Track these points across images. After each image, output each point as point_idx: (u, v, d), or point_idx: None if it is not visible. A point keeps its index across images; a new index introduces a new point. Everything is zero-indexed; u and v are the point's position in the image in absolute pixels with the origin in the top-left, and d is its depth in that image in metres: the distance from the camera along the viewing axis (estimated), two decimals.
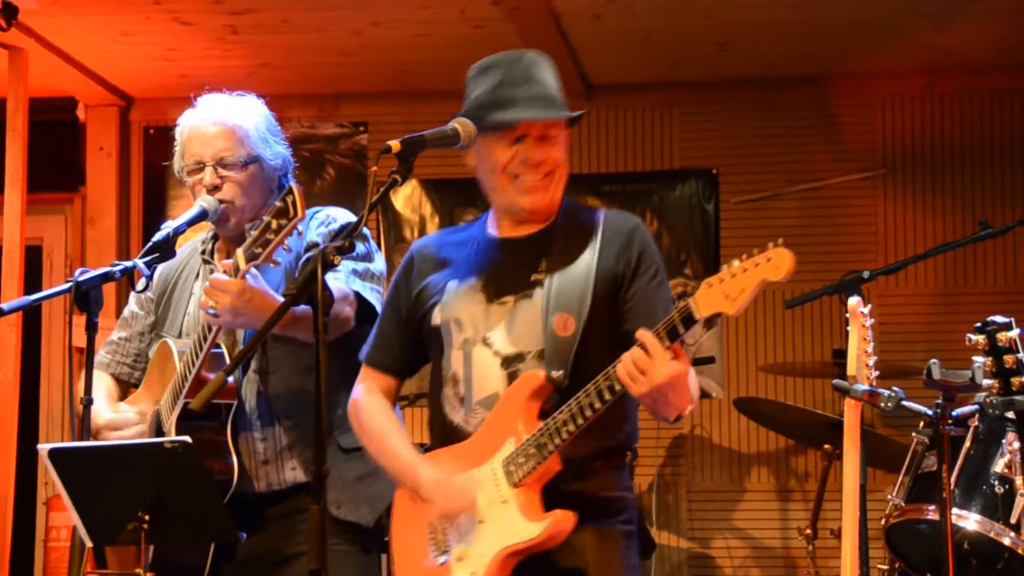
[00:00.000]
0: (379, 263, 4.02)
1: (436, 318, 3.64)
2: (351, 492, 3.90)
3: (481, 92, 3.60)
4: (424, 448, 3.73)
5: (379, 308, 3.89)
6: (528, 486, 3.41)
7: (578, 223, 3.63)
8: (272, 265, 3.60)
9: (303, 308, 3.62)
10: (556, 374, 3.42)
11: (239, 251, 3.61)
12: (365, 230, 3.99)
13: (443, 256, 3.73)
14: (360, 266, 3.92)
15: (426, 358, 3.72)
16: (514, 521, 3.40)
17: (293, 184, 3.57)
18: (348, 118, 7.52)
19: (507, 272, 3.60)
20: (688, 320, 3.20)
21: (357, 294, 3.86)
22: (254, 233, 3.58)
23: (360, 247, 3.95)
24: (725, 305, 3.16)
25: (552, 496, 3.42)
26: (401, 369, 3.79)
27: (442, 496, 3.51)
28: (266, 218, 3.55)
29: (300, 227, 3.53)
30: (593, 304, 3.48)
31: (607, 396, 3.30)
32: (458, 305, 3.61)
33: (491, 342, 3.55)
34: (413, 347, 3.73)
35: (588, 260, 3.54)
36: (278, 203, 3.54)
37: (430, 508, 3.54)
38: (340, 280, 3.83)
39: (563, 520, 3.37)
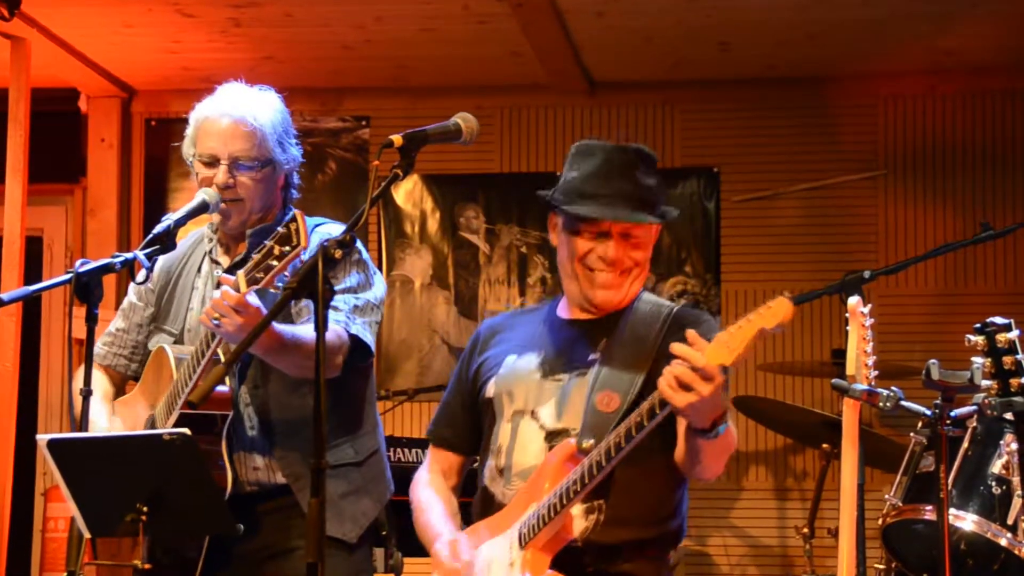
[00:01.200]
0: (378, 288, 4.00)
1: (490, 391, 3.65)
2: (336, 509, 3.89)
3: (576, 176, 3.59)
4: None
5: (372, 345, 3.89)
6: (536, 548, 3.38)
7: (649, 312, 3.60)
8: (273, 290, 3.59)
9: (291, 335, 3.65)
10: (587, 443, 3.38)
11: (240, 273, 3.58)
12: (364, 254, 3.99)
13: (508, 334, 3.73)
14: (360, 300, 3.91)
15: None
16: None
17: (297, 212, 3.55)
18: (350, 112, 7.52)
19: (566, 350, 3.59)
20: (694, 369, 3.12)
21: (354, 336, 3.84)
22: (255, 257, 3.55)
23: (358, 276, 3.94)
24: (725, 356, 3.09)
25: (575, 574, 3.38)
26: (464, 445, 3.80)
27: (446, 569, 3.52)
28: (268, 243, 3.53)
29: (303, 255, 3.51)
30: (644, 387, 3.41)
31: (645, 422, 3.22)
32: (513, 379, 3.61)
33: (539, 416, 3.54)
34: (475, 423, 3.73)
35: (649, 346, 3.51)
36: (281, 229, 3.52)
37: None
38: (340, 319, 3.81)
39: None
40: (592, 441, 3.37)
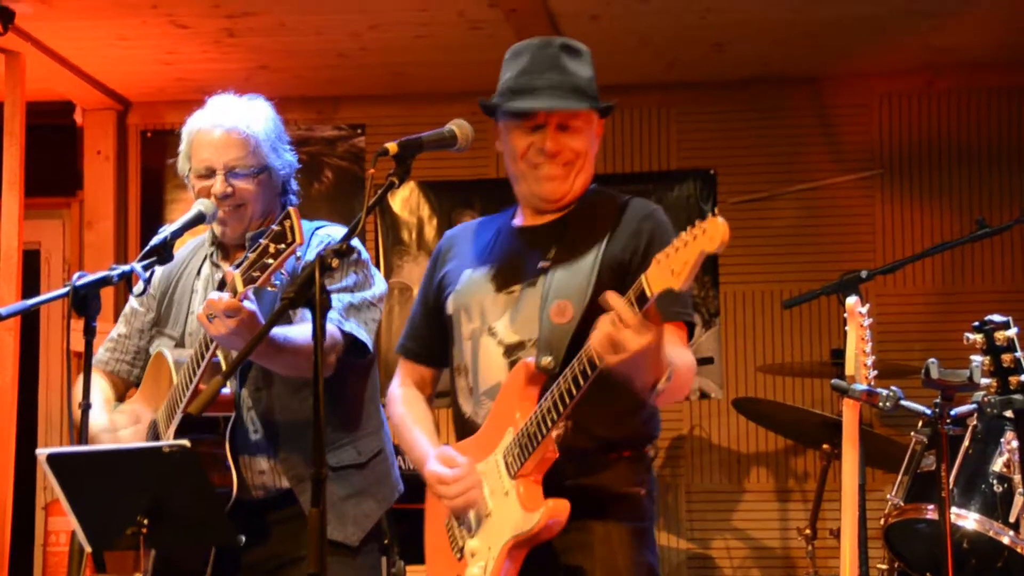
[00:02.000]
0: (378, 287, 3.99)
1: (449, 307, 3.67)
2: (338, 511, 3.88)
3: (508, 76, 3.60)
4: None
5: (370, 343, 3.89)
6: (527, 476, 3.38)
7: (596, 211, 3.60)
8: (270, 288, 3.58)
9: (284, 339, 3.64)
10: (545, 361, 3.39)
11: (237, 272, 3.58)
12: (364, 254, 3.99)
13: (467, 245, 3.75)
14: (356, 298, 3.90)
15: None
16: (514, 512, 3.38)
17: (291, 208, 3.54)
18: (346, 120, 7.52)
19: (518, 261, 3.60)
20: (642, 298, 3.08)
21: (347, 334, 3.84)
22: (251, 256, 3.55)
23: (355, 276, 3.94)
24: (672, 280, 3.03)
25: (556, 491, 3.38)
26: (432, 357, 3.81)
27: (446, 493, 3.50)
28: (263, 241, 3.52)
29: (298, 252, 3.50)
30: (595, 292, 3.40)
31: (588, 373, 3.20)
32: (468, 294, 3.63)
33: (496, 331, 3.55)
34: (441, 335, 3.73)
35: (596, 247, 3.51)
36: (275, 227, 3.51)
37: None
38: (334, 317, 3.80)
39: (556, 509, 3.34)
40: (550, 358, 3.38)
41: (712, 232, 2.97)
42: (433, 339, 3.77)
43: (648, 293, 3.07)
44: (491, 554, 3.42)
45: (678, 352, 3.36)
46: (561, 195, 3.60)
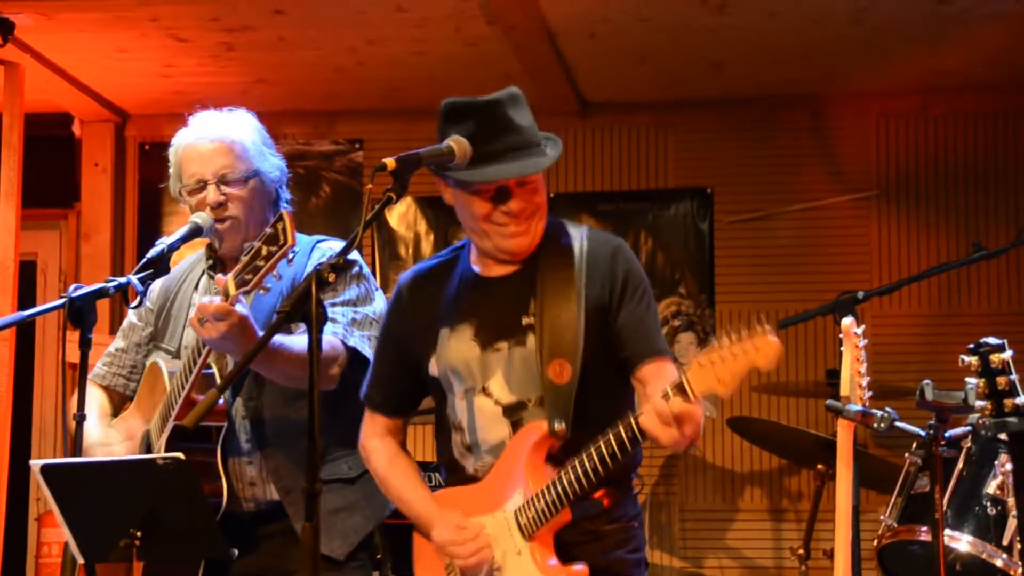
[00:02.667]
0: (379, 303, 3.99)
1: (433, 369, 3.63)
2: (325, 525, 3.84)
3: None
4: (429, 469, 3.74)
5: (370, 357, 3.88)
6: (541, 539, 3.42)
7: (560, 252, 3.58)
8: (262, 292, 3.57)
9: (284, 348, 3.64)
10: (559, 427, 3.41)
11: (229, 276, 3.58)
12: (365, 269, 3.99)
13: (430, 295, 3.68)
14: (359, 313, 3.90)
15: (424, 394, 3.72)
16: (530, 573, 3.42)
17: (284, 211, 3.55)
18: (343, 135, 7.53)
19: (497, 315, 3.57)
20: (683, 392, 3.18)
21: (351, 349, 3.84)
22: (244, 259, 3.54)
23: (358, 289, 3.94)
24: (718, 388, 3.14)
25: (560, 539, 3.44)
26: (400, 409, 3.78)
27: (460, 554, 3.51)
28: (256, 244, 3.52)
29: (290, 254, 3.50)
30: (586, 344, 3.45)
31: (616, 455, 3.29)
32: (452, 355, 3.59)
33: (491, 391, 3.54)
34: (410, 387, 3.72)
35: (575, 295, 3.50)
36: (268, 229, 3.51)
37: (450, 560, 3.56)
38: (338, 331, 3.81)
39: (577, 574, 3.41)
40: (563, 425, 3.40)
41: (766, 351, 3.07)
42: (401, 390, 3.75)
43: (691, 395, 3.17)
44: None
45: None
46: (528, 248, 3.57)
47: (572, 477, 3.35)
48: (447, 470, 3.69)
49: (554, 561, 3.41)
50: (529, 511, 3.41)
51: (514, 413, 3.50)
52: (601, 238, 3.63)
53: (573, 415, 3.41)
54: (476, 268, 3.65)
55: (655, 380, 3.39)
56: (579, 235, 3.63)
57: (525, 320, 3.53)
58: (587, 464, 3.33)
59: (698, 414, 3.21)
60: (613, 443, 3.30)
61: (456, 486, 3.62)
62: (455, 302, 3.63)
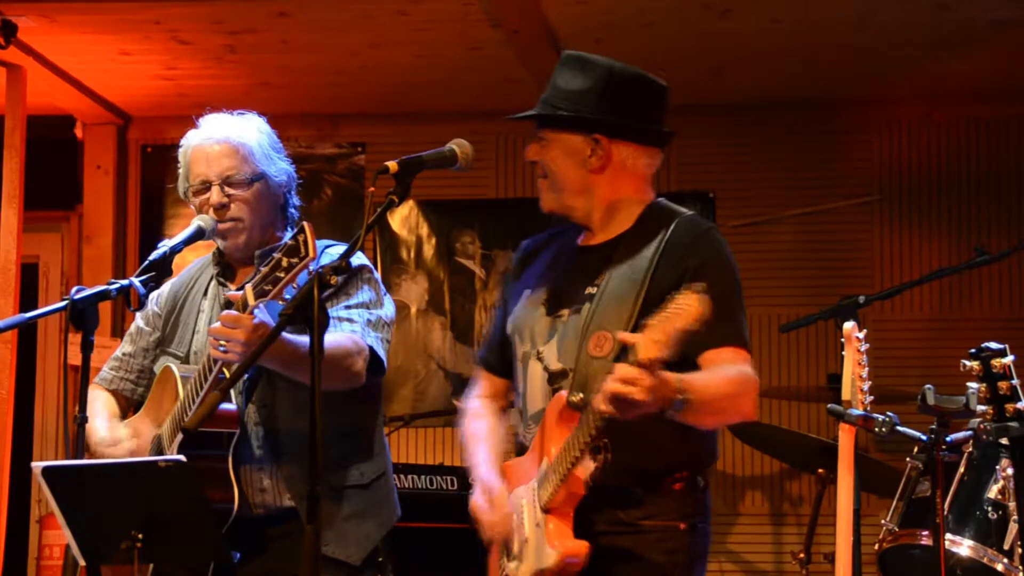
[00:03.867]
0: (388, 308, 3.98)
1: (508, 327, 3.68)
2: (339, 530, 3.88)
3: None
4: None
5: (385, 361, 3.88)
6: (557, 511, 3.39)
7: (646, 231, 3.56)
8: (280, 303, 3.57)
9: (300, 344, 3.63)
10: (575, 398, 3.38)
11: (248, 286, 3.57)
12: (376, 275, 4.00)
13: (534, 260, 3.75)
14: (374, 315, 3.89)
15: None
16: (541, 546, 3.41)
17: (306, 223, 3.53)
18: (346, 138, 7.53)
19: (569, 283, 3.58)
20: (638, 364, 3.11)
21: (370, 348, 3.83)
22: (264, 270, 3.53)
23: (371, 293, 3.94)
24: (655, 349, 3.07)
25: (587, 524, 3.40)
26: (505, 369, 3.78)
27: (482, 525, 3.56)
28: (276, 255, 3.50)
29: (311, 267, 3.49)
30: (636, 325, 3.32)
31: (599, 422, 3.21)
32: (522, 316, 3.64)
33: (543, 356, 3.55)
34: (511, 349, 3.73)
35: (642, 273, 3.47)
36: (289, 241, 3.49)
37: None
38: (357, 332, 3.81)
39: (573, 550, 3.36)
40: (580, 396, 3.36)
41: (689, 309, 3.04)
42: (504, 351, 3.77)
43: (642, 360, 3.09)
44: None
45: (715, 370, 3.38)
46: (549, 208, 3.62)
47: (570, 443, 3.32)
48: (515, 440, 3.69)
49: (564, 534, 3.38)
50: (545, 480, 3.40)
51: (556, 381, 3.50)
52: (692, 222, 3.61)
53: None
54: (577, 239, 3.68)
55: (709, 368, 3.36)
56: (671, 217, 3.62)
57: (588, 290, 3.53)
58: (580, 431, 3.29)
59: (644, 381, 3.10)
60: (588, 417, 3.25)
61: (518, 455, 3.63)
62: (545, 267, 3.69)
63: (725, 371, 3.41)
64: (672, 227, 3.56)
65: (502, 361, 3.77)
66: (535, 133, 3.59)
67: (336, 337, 3.70)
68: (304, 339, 3.57)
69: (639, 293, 3.45)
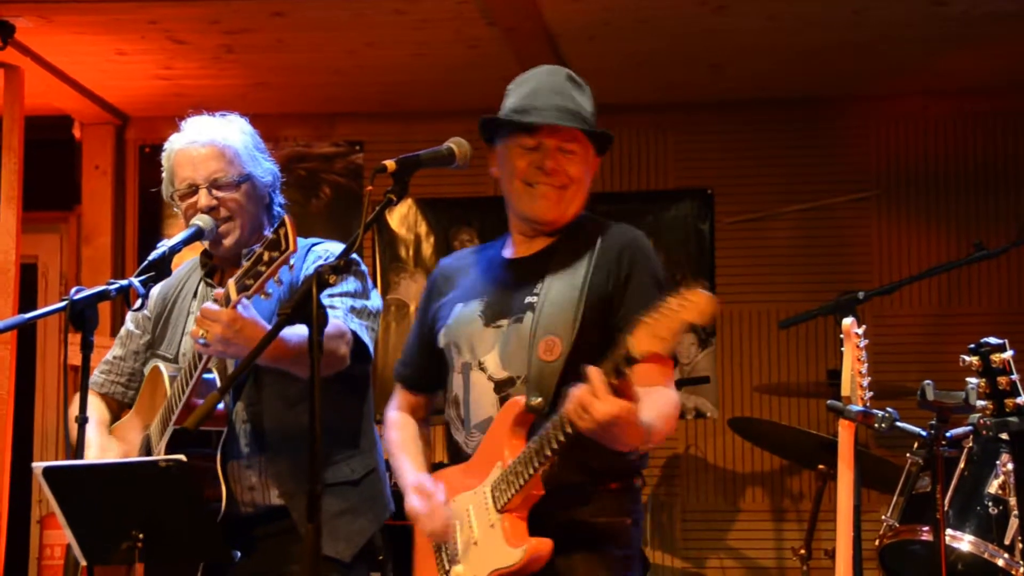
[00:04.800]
0: (375, 300, 4.00)
1: (441, 340, 3.71)
2: (330, 527, 3.86)
3: (512, 100, 3.64)
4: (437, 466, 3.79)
5: (370, 348, 3.91)
6: (513, 511, 3.44)
7: (580, 240, 3.63)
8: (263, 297, 3.57)
9: (297, 339, 3.64)
10: (535, 401, 3.43)
11: (230, 281, 3.58)
12: (363, 267, 4.01)
13: (460, 276, 3.78)
14: (358, 303, 3.91)
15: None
16: (498, 546, 3.44)
17: (286, 216, 3.53)
18: (343, 137, 7.54)
19: (507, 294, 3.63)
20: (630, 360, 3.14)
21: (354, 334, 3.86)
22: (246, 264, 3.55)
23: (357, 283, 3.94)
24: (657, 345, 3.10)
25: (543, 523, 3.44)
26: (424, 385, 3.87)
27: (421, 527, 3.60)
28: (258, 249, 3.52)
29: (292, 260, 3.50)
30: (582, 327, 3.47)
31: (567, 430, 3.26)
32: (458, 328, 3.66)
33: (485, 366, 3.58)
34: (434, 364, 3.77)
35: (580, 280, 3.54)
36: (270, 235, 3.50)
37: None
38: (339, 317, 3.81)
39: (539, 547, 3.41)
40: (540, 399, 3.42)
41: (698, 303, 3.07)
42: (426, 367, 3.82)
43: (634, 355, 3.12)
44: None
45: (656, 400, 3.39)
46: (553, 217, 3.63)
47: (532, 450, 3.36)
48: (448, 449, 3.72)
49: (522, 533, 3.42)
50: (502, 484, 3.44)
51: (503, 389, 3.53)
52: (620, 230, 3.66)
53: (555, 393, 3.40)
54: (505, 252, 3.73)
55: (649, 396, 3.36)
56: (601, 224, 3.67)
57: (528, 299, 3.57)
58: (541, 438, 3.33)
59: (625, 410, 3.16)
60: (553, 427, 3.29)
61: (453, 464, 3.66)
62: (475, 280, 3.72)
63: (663, 404, 3.45)
64: (603, 233, 3.63)
65: (420, 377, 3.86)
66: (549, 142, 3.57)
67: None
68: (291, 333, 3.57)
69: (580, 298, 3.51)
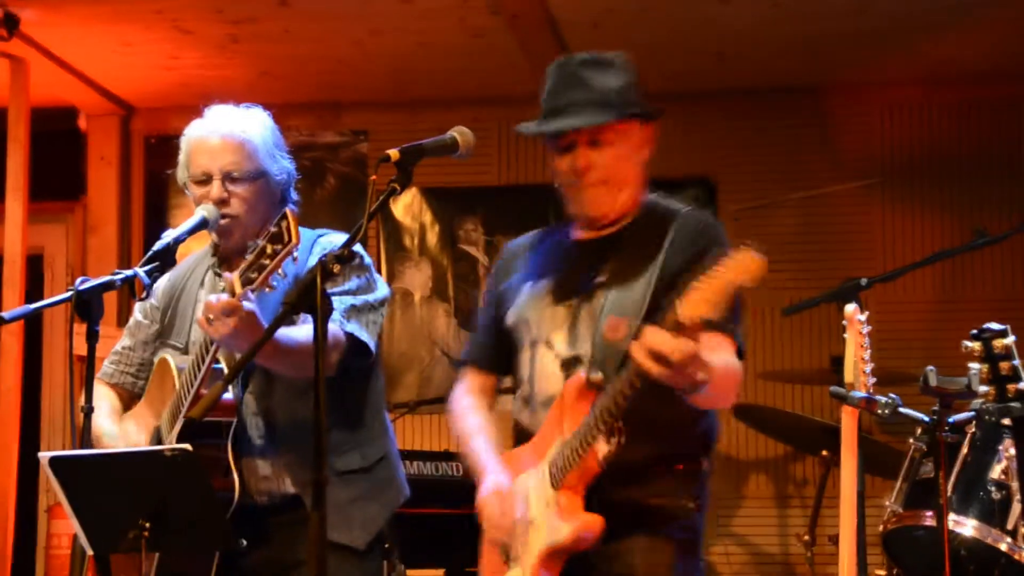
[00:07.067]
0: (380, 290, 3.99)
1: (510, 319, 3.70)
2: (344, 515, 3.88)
3: (542, 100, 3.62)
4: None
5: (372, 345, 3.90)
6: (569, 488, 3.42)
7: (652, 225, 3.60)
8: (267, 290, 3.58)
9: (287, 340, 3.65)
10: (595, 377, 3.41)
11: (235, 275, 3.58)
12: (367, 259, 4.00)
13: (526, 258, 3.78)
14: (359, 300, 3.91)
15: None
16: (552, 522, 3.43)
17: (288, 209, 3.54)
18: (348, 127, 7.54)
19: (575, 274, 3.62)
20: (678, 326, 3.06)
21: (349, 335, 3.86)
22: (249, 257, 3.54)
23: (358, 279, 3.95)
24: (706, 309, 3.04)
25: (602, 502, 3.42)
26: (492, 365, 3.85)
27: (488, 513, 3.56)
28: (261, 242, 3.52)
29: (296, 252, 3.51)
30: (649, 309, 3.40)
31: (627, 392, 3.21)
32: (528, 307, 3.66)
33: (553, 344, 3.58)
34: (501, 345, 3.76)
35: (653, 262, 3.51)
36: (272, 228, 3.50)
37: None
38: (335, 318, 3.80)
39: (588, 523, 3.38)
40: (600, 375, 3.40)
41: (744, 262, 3.02)
42: (494, 348, 3.81)
43: (683, 320, 3.04)
44: (529, 560, 3.46)
45: (718, 356, 3.32)
46: (604, 212, 3.61)
47: (592, 418, 3.34)
48: (513, 431, 3.71)
49: (576, 509, 3.39)
50: (559, 459, 3.42)
51: (569, 367, 3.52)
52: (694, 216, 3.63)
53: (617, 371, 3.34)
54: (573, 234, 3.72)
55: (715, 351, 3.32)
56: (675, 210, 3.65)
57: (598, 279, 3.56)
58: (604, 402, 3.30)
59: (690, 349, 3.07)
60: (619, 381, 3.26)
61: (518, 446, 3.65)
62: (543, 261, 3.71)
63: (728, 359, 3.41)
64: (676, 219, 3.60)
65: (488, 358, 3.84)
66: (573, 140, 3.55)
67: (311, 330, 3.71)
68: (281, 332, 3.58)
69: (651, 279, 3.48)
